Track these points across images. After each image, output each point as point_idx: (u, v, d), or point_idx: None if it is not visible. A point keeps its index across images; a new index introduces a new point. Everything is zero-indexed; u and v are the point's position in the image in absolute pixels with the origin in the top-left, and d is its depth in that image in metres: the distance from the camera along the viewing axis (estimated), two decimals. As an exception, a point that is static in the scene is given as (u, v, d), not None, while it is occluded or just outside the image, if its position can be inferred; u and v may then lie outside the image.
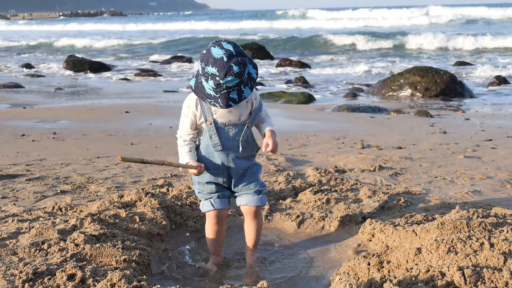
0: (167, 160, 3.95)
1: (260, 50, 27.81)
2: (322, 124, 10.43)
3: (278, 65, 23.82)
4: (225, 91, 3.50)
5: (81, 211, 4.63)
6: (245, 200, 3.92)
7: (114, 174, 6.33)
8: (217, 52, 3.46)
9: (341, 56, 28.90)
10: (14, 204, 5.05)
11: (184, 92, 16.04)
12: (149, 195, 4.75)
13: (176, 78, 20.82)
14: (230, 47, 3.49)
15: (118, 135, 9.03)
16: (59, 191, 5.53)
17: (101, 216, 4.26)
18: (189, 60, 26.79)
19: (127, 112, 11.73)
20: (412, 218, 4.41)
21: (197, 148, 3.90)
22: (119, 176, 6.23)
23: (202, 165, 3.79)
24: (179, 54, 29.96)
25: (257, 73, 3.65)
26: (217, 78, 3.44)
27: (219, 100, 3.53)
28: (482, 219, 3.96)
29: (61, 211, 4.71)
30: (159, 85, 18.35)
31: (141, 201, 4.67)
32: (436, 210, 4.76)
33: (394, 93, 14.92)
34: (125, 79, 19.96)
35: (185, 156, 3.85)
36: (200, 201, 4.00)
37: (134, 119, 10.87)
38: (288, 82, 18.27)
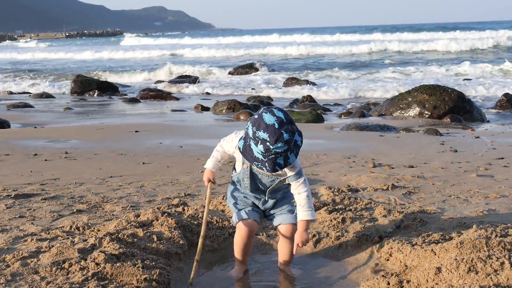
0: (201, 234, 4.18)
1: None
2: (332, 143, 10.45)
3: (285, 84, 23.96)
4: (273, 156, 3.69)
5: (99, 230, 4.65)
6: (280, 219, 4.15)
7: (128, 193, 6.36)
8: (269, 119, 3.65)
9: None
10: (32, 223, 5.08)
11: (191, 113, 16.14)
12: (166, 214, 4.78)
13: (184, 98, 20.93)
14: (281, 115, 3.69)
15: (129, 155, 9.06)
16: (75, 210, 5.56)
17: (120, 236, 4.28)
18: (196, 80, 26.89)
19: (136, 131, 11.78)
20: (429, 237, 4.41)
21: (232, 180, 4.29)
22: (133, 195, 6.26)
23: (211, 182, 4.33)
24: (186, 74, 30.07)
25: (302, 141, 3.83)
26: (268, 143, 3.63)
27: (266, 164, 3.73)
28: (501, 238, 3.97)
29: (78, 230, 4.73)
30: (167, 104, 18.45)
31: (157, 220, 4.70)
32: (452, 229, 4.76)
33: (402, 112, 14.95)
34: (133, 99, 20.05)
35: (210, 161, 4.35)
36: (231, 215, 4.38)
37: (144, 139, 10.92)
38: (295, 101, 18.33)
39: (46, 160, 8.57)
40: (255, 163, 3.80)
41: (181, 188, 6.61)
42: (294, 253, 4.08)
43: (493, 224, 4.72)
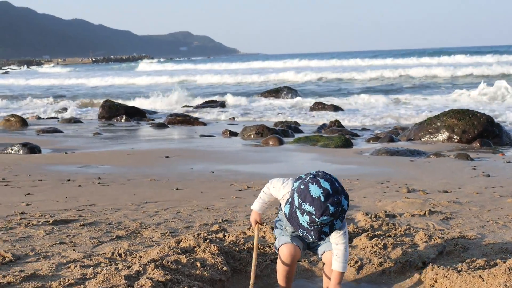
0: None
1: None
2: (363, 168, 10.44)
3: (311, 109, 24.01)
4: (319, 226, 3.68)
5: (141, 257, 4.68)
6: (324, 247, 4.11)
7: (165, 219, 6.39)
8: (315, 191, 3.63)
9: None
10: (73, 249, 5.13)
11: (219, 138, 16.24)
12: (207, 240, 4.80)
13: (211, 123, 21.05)
14: (327, 186, 3.65)
15: (162, 180, 9.12)
16: (114, 237, 5.60)
17: (164, 262, 4.31)
18: (222, 105, 27.05)
19: (167, 157, 11.86)
20: (474, 263, 4.39)
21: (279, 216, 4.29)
22: (170, 221, 6.29)
23: (258, 224, 4.35)
24: (212, 99, 30.27)
25: (348, 204, 3.78)
26: (313, 216, 3.63)
27: (311, 233, 3.72)
28: (549, 265, 3.93)
29: (120, 256, 4.77)
30: (195, 129, 18.56)
31: (199, 246, 4.72)
32: (495, 255, 4.72)
33: (431, 136, 14.87)
34: (161, 124, 20.21)
35: (257, 203, 4.37)
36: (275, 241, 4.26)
37: (175, 164, 10.99)
38: (322, 126, 18.34)
39: (80, 185, 8.66)
40: (300, 231, 3.78)
41: (217, 214, 6.64)
42: None
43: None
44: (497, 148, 13.63)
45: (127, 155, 12.26)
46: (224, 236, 5.19)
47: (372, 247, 4.98)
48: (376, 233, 5.45)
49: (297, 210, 3.72)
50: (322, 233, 3.71)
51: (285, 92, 30.81)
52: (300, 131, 17.70)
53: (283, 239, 4.13)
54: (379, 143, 14.71)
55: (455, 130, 14.65)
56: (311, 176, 3.73)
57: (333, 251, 3.98)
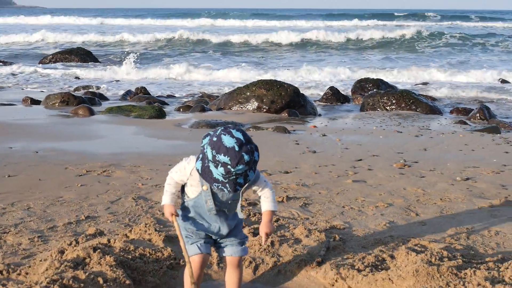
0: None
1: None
2: (193, 144, 10.35)
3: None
4: (234, 177, 3.69)
5: (27, 273, 4.28)
6: (230, 251, 4.14)
7: (20, 218, 5.82)
8: (228, 141, 3.65)
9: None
10: None
11: (20, 107, 15.18)
12: (98, 250, 4.52)
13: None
14: (240, 136, 3.69)
15: (-18, 165, 8.29)
16: (-25, 245, 5.03)
17: (64, 282, 3.99)
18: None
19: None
20: (364, 260, 4.65)
21: (183, 206, 4.14)
22: (28, 221, 5.72)
23: (175, 216, 4.05)
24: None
25: (259, 155, 3.81)
26: (229, 166, 3.63)
27: (226, 185, 3.73)
28: (441, 262, 4.31)
29: (2, 274, 4.30)
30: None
31: (90, 257, 4.43)
32: (373, 247, 5.07)
33: (241, 106, 15.28)
34: None
35: (166, 197, 4.12)
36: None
37: (-14, 142, 10.05)
38: (127, 93, 17.93)
39: None
40: (215, 184, 3.77)
41: (74, 208, 6.23)
42: (263, 243, 4.18)
43: (401, 237, 5.06)
44: (304, 118, 14.43)
45: None
46: (109, 242, 4.89)
47: (260, 245, 5.03)
48: (252, 226, 5.47)
49: (210, 163, 3.72)
50: (237, 184, 3.75)
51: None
52: (106, 99, 17.16)
53: (191, 249, 4.04)
54: (191, 113, 14.78)
55: (264, 100, 15.19)
56: (222, 128, 3.78)
57: (262, 195, 4.09)
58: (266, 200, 4.08)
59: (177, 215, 4.09)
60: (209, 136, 3.81)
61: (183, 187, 4.12)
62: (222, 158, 3.63)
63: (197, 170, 3.83)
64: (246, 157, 3.65)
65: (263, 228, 4.06)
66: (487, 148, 10.46)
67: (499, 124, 13.21)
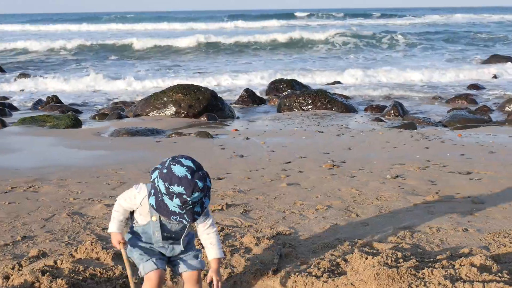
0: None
1: None
2: (118, 154, 10.11)
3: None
4: (191, 206, 3.64)
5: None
6: (186, 266, 4.08)
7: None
8: (179, 171, 3.60)
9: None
10: None
11: None
12: (47, 273, 4.31)
13: None
14: (190, 163, 3.67)
15: None
16: None
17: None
18: None
19: None
20: (319, 265, 4.65)
21: (133, 230, 4.09)
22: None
23: (122, 244, 4.01)
24: None
25: (210, 181, 3.78)
26: (184, 196, 3.58)
27: (184, 216, 3.67)
28: (398, 263, 4.37)
29: None
30: None
31: (40, 282, 4.21)
32: (323, 251, 5.08)
33: (159, 112, 15.05)
34: None
35: (113, 224, 4.07)
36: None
37: None
38: (38, 102, 17.28)
39: None
40: (173, 217, 3.71)
41: (7, 229, 5.85)
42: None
43: (349, 240, 5.11)
44: (223, 122, 14.38)
45: None
46: (56, 263, 4.67)
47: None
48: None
49: (164, 197, 3.66)
50: (195, 213, 3.70)
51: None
52: (16, 109, 16.49)
53: (147, 265, 3.96)
54: (108, 121, 14.43)
55: (182, 105, 15.03)
56: (170, 159, 3.73)
57: (207, 241, 4.07)
58: (212, 247, 4.07)
59: (124, 242, 4.01)
60: (157, 170, 3.76)
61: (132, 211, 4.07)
62: (176, 188, 3.58)
63: (152, 206, 3.77)
64: (200, 183, 3.62)
65: (215, 275, 4.04)
66: (408, 144, 10.76)
67: (414, 119, 13.63)
